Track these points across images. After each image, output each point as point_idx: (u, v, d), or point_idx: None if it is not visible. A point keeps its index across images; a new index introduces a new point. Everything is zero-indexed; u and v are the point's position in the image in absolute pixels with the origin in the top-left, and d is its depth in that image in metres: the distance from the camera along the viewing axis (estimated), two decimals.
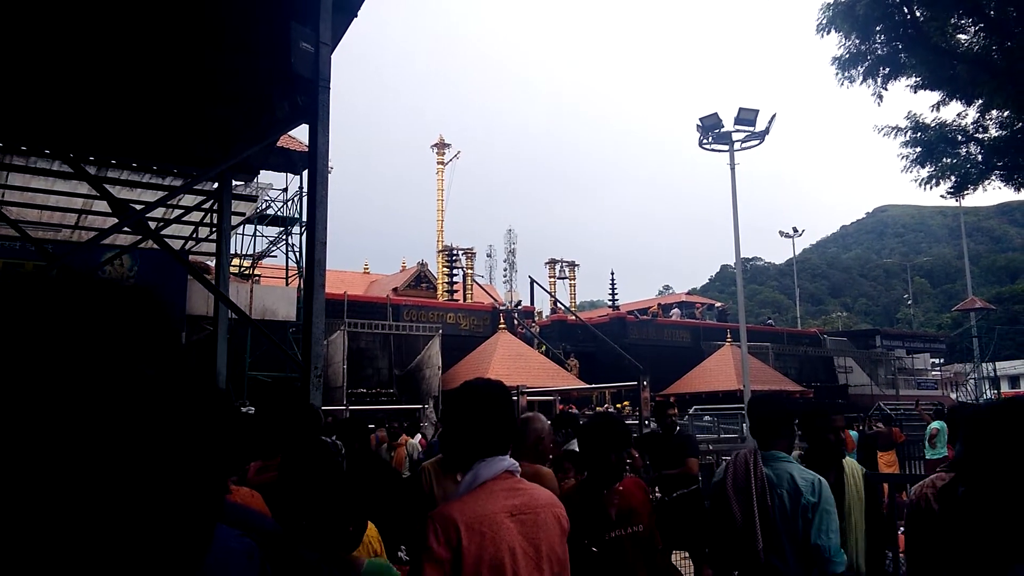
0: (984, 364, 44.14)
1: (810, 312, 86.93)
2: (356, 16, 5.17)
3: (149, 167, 8.12)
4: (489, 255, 51.05)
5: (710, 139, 19.79)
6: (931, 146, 16.38)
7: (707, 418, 22.29)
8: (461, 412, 2.24)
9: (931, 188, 16.74)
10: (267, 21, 4.84)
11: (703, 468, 6.64)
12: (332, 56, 4.73)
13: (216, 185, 8.14)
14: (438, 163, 44.14)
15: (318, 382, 4.44)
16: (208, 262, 13.69)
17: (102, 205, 9.50)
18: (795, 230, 54.71)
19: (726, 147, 19.66)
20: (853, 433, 15.81)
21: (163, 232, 8.77)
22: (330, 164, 4.78)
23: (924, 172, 16.60)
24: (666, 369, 30.28)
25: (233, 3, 4.85)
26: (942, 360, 48.08)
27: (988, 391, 44.86)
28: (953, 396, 42.01)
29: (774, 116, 19.65)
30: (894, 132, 16.58)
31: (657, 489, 6.80)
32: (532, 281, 35.87)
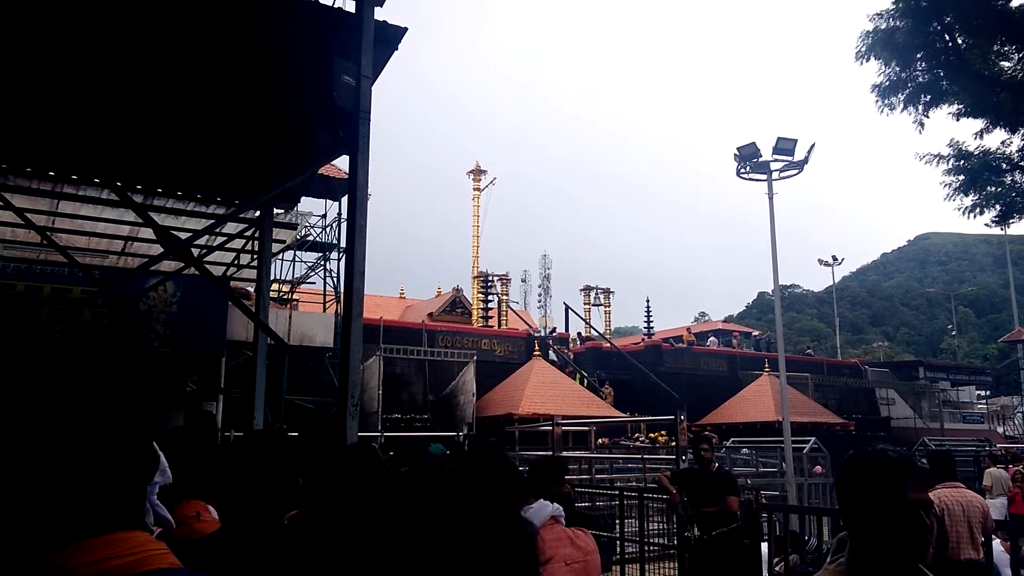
0: None
1: (850, 341, 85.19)
2: (397, 49, 5.24)
3: (193, 196, 8.29)
4: (524, 280, 50.96)
5: (748, 168, 19.63)
6: (974, 174, 16.05)
7: (745, 451, 21.89)
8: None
9: (975, 217, 16.41)
10: (312, 56, 4.94)
11: (742, 505, 6.50)
12: (372, 87, 4.79)
13: (258, 213, 8.28)
14: (474, 189, 44.51)
15: (355, 411, 4.44)
16: (248, 288, 13.89)
17: (147, 232, 9.71)
18: (834, 258, 53.97)
19: (764, 176, 19.49)
20: None
21: (205, 259, 8.93)
22: (368, 191, 4.82)
23: (968, 200, 16.28)
24: (702, 398, 29.88)
25: (280, 41, 4.96)
26: (988, 393, 46.73)
27: None
28: (1000, 430, 40.73)
29: (813, 145, 19.44)
30: (936, 160, 16.29)
31: (696, 527, 6.67)
32: (567, 307, 35.79)
